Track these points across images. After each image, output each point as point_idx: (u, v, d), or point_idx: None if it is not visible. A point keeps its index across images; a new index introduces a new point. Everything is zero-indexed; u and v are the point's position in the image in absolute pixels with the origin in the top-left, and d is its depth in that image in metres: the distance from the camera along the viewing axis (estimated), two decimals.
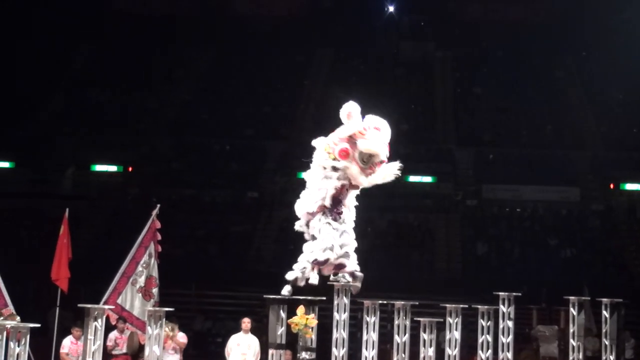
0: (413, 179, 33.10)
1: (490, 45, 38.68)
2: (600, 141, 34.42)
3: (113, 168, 33.58)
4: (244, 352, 14.76)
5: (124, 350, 15.88)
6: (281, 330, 12.39)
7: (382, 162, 11.04)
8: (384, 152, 11.02)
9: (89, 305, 11.58)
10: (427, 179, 33.30)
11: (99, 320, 11.46)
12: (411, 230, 31.80)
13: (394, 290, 21.97)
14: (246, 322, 15.21)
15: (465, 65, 38.33)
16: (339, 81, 34.64)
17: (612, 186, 32.95)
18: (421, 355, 13.37)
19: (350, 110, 10.96)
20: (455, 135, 35.52)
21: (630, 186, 32.56)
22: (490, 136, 35.16)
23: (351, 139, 10.92)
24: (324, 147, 11.09)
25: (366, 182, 11.14)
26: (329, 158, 11.05)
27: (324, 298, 13.02)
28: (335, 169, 11.05)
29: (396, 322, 13.21)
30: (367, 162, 10.97)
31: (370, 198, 33.62)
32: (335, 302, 12.92)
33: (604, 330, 14.65)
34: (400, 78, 38.14)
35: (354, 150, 11.00)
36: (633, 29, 30.43)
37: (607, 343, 14.44)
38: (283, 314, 12.43)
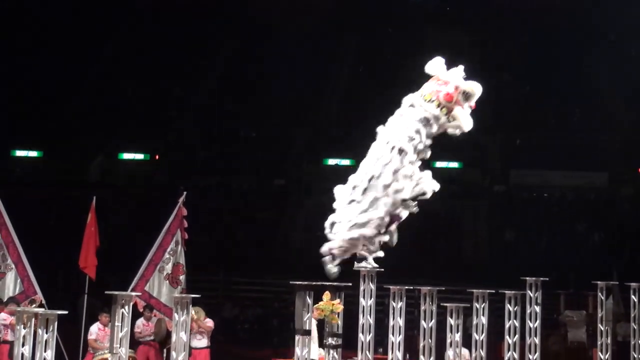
0: (439, 164, 33.01)
1: (517, 29, 38.34)
2: (628, 125, 34.07)
3: (140, 156, 33.76)
4: None
5: (152, 337, 15.99)
6: (307, 316, 12.40)
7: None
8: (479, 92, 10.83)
9: (116, 293, 11.66)
10: (454, 165, 33.18)
11: (126, 307, 11.54)
12: (438, 217, 31.71)
13: (420, 277, 22.00)
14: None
15: (491, 50, 37.99)
16: (365, 67, 34.55)
17: None
18: (448, 341, 13.36)
19: (438, 63, 10.76)
20: (481, 121, 35.29)
21: None
22: (518, 121, 34.92)
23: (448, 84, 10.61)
24: (424, 96, 10.66)
25: (470, 123, 10.79)
26: (433, 106, 10.57)
27: (350, 284, 13.02)
28: (438, 116, 10.61)
29: (422, 307, 13.19)
30: (466, 101, 10.74)
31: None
32: (362, 288, 12.93)
33: (632, 315, 14.54)
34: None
35: (456, 92, 10.67)
36: None
37: (635, 327, 14.34)
38: (309, 300, 12.44)
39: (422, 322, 13.10)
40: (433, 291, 13.25)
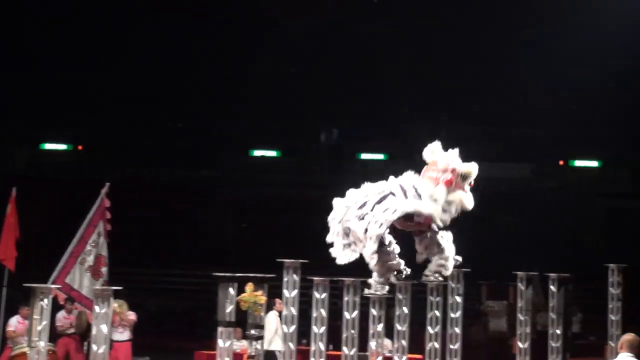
0: (365, 156, 33.33)
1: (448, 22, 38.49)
2: (552, 118, 34.66)
3: (63, 147, 33.29)
4: None
5: (73, 330, 15.82)
6: (230, 308, 12.40)
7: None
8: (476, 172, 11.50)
9: (35, 285, 11.51)
10: (379, 157, 33.48)
11: (46, 300, 11.40)
12: None
13: (348, 268, 22.13)
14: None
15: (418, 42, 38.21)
16: (295, 58, 34.53)
17: (562, 163, 33.36)
18: (370, 332, 13.48)
19: (434, 148, 11.68)
20: (408, 113, 35.56)
21: (579, 163, 32.97)
22: (445, 113, 35.28)
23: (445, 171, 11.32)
24: (426, 181, 11.44)
25: (472, 202, 11.56)
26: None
27: (274, 275, 13.06)
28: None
29: (345, 298, 13.29)
30: (464, 182, 11.17)
31: (323, 174, 33.73)
32: (285, 279, 12.99)
33: (551, 305, 14.86)
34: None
35: (454, 176, 11.45)
36: (589, 5, 30.54)
37: (554, 317, 14.66)
38: (232, 292, 12.44)
39: (345, 313, 13.20)
40: (356, 282, 13.35)
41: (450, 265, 12.80)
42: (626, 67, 32.20)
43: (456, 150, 11.28)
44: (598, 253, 27.42)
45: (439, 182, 11.05)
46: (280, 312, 14.44)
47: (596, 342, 22.38)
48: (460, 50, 34.44)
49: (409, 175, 11.68)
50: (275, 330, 15.83)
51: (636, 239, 28.85)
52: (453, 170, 11.21)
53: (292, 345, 13.01)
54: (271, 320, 15.90)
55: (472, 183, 11.40)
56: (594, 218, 31.88)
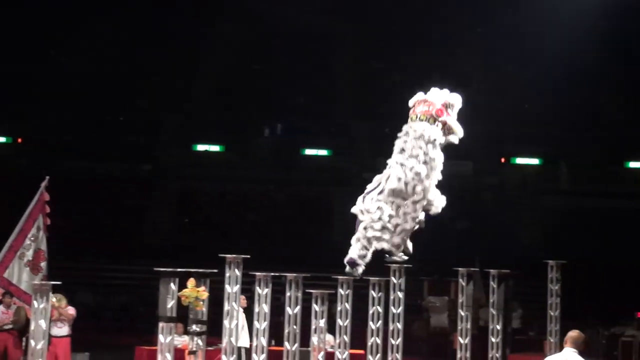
0: (309, 152, 33.36)
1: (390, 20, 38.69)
2: (493, 115, 34.98)
3: (2, 139, 32.80)
4: None
5: (11, 325, 15.59)
6: (172, 303, 12.33)
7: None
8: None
9: None
10: (323, 152, 33.53)
11: None
12: (308, 204, 32.00)
13: (290, 263, 22.15)
14: None
15: (365, 40, 38.34)
16: (235, 52, 34.41)
17: (503, 160, 33.71)
18: (312, 327, 13.50)
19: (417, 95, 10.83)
20: (353, 109, 35.68)
21: (520, 160, 33.35)
22: (388, 109, 35.41)
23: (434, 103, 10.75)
24: (419, 118, 10.63)
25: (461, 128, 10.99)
26: (433, 124, 10.59)
27: (215, 270, 13.02)
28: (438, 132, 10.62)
29: (288, 294, 13.30)
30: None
31: (267, 170, 33.75)
32: (227, 275, 12.94)
33: (491, 301, 15.02)
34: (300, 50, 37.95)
35: (444, 106, 10.78)
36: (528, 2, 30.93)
37: (494, 313, 14.82)
38: (174, 287, 12.36)
39: (287, 309, 13.21)
40: (299, 278, 13.37)
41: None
42: (567, 66, 32.73)
43: (436, 88, 11.23)
44: (538, 249, 27.80)
45: (432, 114, 10.86)
46: (244, 308, 14.44)
47: (535, 337, 22.72)
48: (404, 45, 34.66)
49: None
50: (242, 327, 15.85)
51: (575, 236, 29.32)
52: (443, 103, 11.03)
53: (233, 341, 12.95)
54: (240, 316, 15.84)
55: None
56: (534, 215, 32.30)
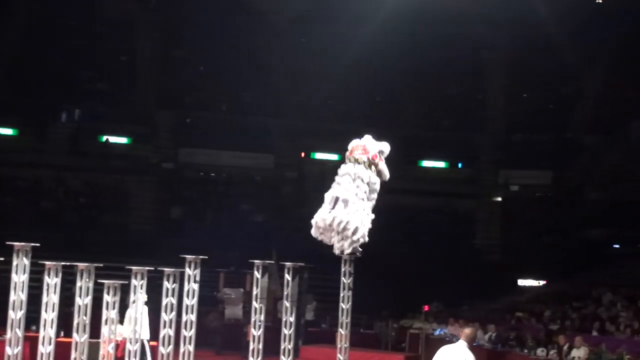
0: (111, 139, 32.69)
1: (195, 7, 38.40)
2: (294, 109, 35.46)
3: None
4: None
5: None
6: None
7: None
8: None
9: None
10: (123, 140, 32.90)
11: None
12: (105, 192, 31.37)
13: (83, 252, 21.61)
14: None
15: (170, 27, 37.81)
16: (32, 35, 33.23)
17: (303, 155, 34.21)
18: (103, 318, 13.23)
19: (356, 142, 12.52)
20: (155, 97, 35.19)
21: (319, 155, 33.95)
22: (191, 100, 35.21)
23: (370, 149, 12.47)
24: (357, 161, 12.31)
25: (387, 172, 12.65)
26: (365, 166, 12.28)
27: (2, 258, 12.54)
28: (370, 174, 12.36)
29: (79, 284, 12.96)
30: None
31: (63, 156, 32.71)
32: (15, 263, 12.49)
33: (285, 293, 15.20)
34: (101, 34, 37.02)
35: (378, 153, 12.54)
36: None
37: (288, 305, 15.00)
38: None
39: (77, 299, 12.88)
40: (90, 267, 13.05)
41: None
42: (369, 65, 33.66)
43: (369, 136, 12.68)
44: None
45: (369, 159, 12.33)
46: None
47: (328, 329, 23.24)
48: (207, 36, 34.59)
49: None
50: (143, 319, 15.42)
51: (371, 232, 30.11)
52: (377, 150, 12.54)
53: (19, 332, 12.50)
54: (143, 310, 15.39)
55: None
56: None
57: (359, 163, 12.36)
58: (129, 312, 13.84)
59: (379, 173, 12.55)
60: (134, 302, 13.63)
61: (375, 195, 12.52)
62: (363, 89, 34.71)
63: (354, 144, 12.72)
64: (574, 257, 29.11)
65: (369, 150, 12.52)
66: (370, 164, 12.40)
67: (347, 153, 12.54)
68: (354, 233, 11.90)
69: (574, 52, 32.87)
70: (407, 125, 33.83)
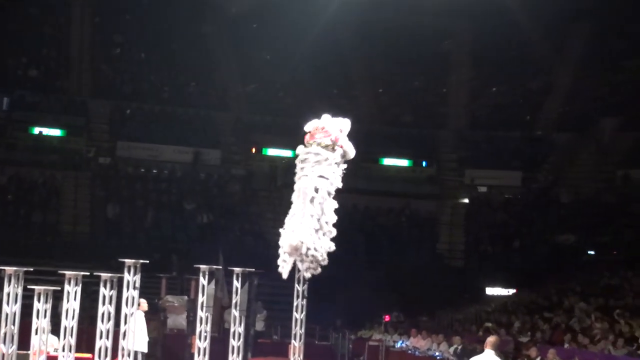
0: (44, 131, 32.26)
1: None
2: (244, 103, 35.35)
3: None
4: None
5: None
6: None
7: None
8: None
9: None
10: (56, 132, 32.47)
11: None
12: (35, 188, 30.96)
13: (11, 255, 21.29)
14: None
15: (108, 11, 37.45)
16: None
17: (254, 150, 34.05)
18: (34, 327, 13.02)
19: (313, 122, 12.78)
20: (90, 86, 34.83)
21: (272, 151, 33.81)
22: (130, 90, 34.89)
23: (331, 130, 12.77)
24: (320, 145, 12.62)
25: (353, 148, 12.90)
26: (329, 148, 12.58)
27: None
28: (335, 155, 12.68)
29: (6, 290, 12.72)
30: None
31: None
32: None
33: (234, 301, 15.05)
34: (32, 18, 36.56)
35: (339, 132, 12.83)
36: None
37: (236, 314, 14.87)
38: None
39: (5, 306, 12.64)
40: (19, 272, 12.82)
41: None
42: (323, 59, 33.72)
43: (328, 115, 12.88)
44: None
45: (331, 140, 12.62)
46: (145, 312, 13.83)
47: (279, 340, 23.15)
48: (151, 22, 34.44)
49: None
50: (140, 330, 15.37)
51: None
52: (339, 130, 12.80)
53: None
54: (138, 320, 15.40)
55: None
56: (281, 210, 32.78)
57: (322, 147, 12.56)
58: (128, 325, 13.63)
59: (344, 154, 12.75)
60: (132, 314, 13.47)
61: (339, 181, 12.61)
62: (319, 81, 34.71)
63: (313, 125, 12.85)
64: (545, 263, 29.32)
65: (330, 131, 12.67)
66: (334, 145, 12.59)
67: (307, 136, 12.66)
68: (306, 255, 12.11)
69: (543, 45, 33.24)
70: (366, 121, 33.81)
